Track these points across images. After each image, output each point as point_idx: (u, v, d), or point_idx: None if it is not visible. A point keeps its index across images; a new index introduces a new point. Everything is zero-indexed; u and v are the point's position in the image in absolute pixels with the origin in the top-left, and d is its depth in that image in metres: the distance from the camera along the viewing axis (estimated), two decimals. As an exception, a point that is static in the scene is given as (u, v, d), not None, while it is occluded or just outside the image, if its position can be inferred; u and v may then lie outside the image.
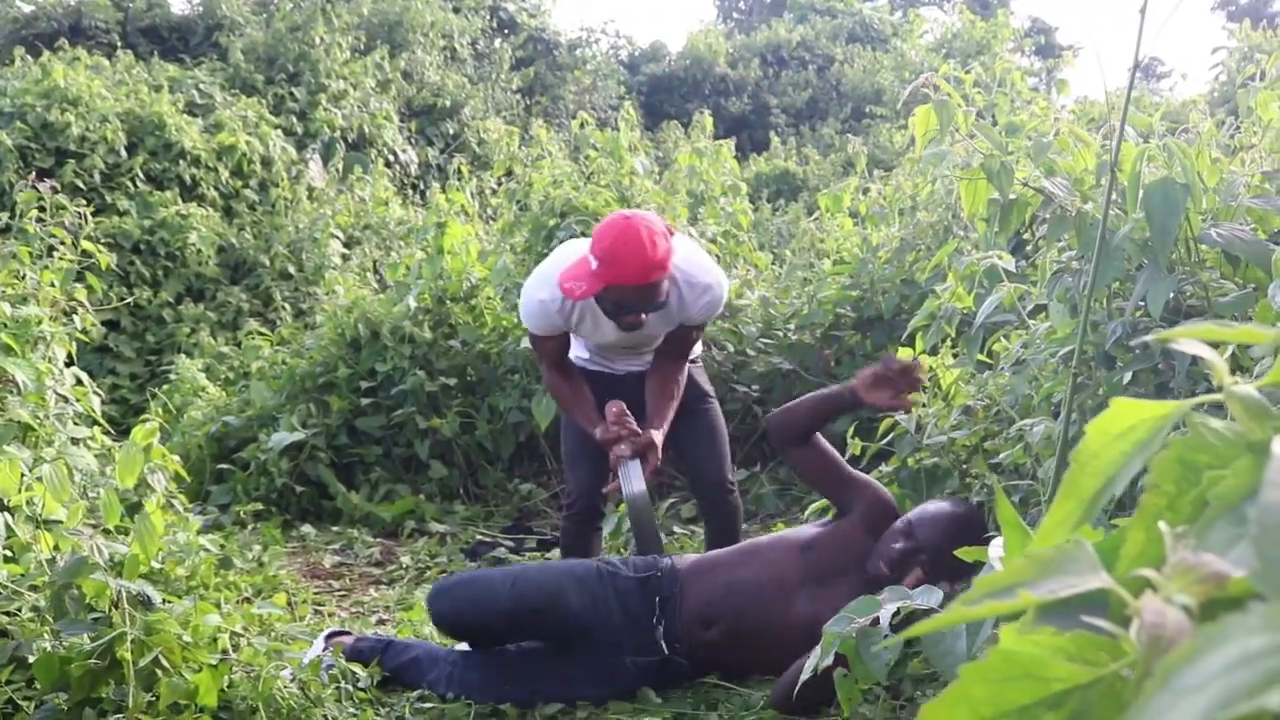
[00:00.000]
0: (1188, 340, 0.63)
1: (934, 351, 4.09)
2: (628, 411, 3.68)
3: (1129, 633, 0.57)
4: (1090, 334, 2.99)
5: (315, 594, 4.64)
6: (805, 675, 1.61)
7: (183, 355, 7.99)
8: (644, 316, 3.53)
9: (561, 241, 6.08)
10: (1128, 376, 2.92)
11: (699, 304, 3.69)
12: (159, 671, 2.65)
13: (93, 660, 2.44)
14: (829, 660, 1.55)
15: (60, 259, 4.22)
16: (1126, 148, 2.88)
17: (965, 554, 2.01)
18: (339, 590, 4.81)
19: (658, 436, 3.65)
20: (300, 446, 5.90)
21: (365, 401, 6.09)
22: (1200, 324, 0.66)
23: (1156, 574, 0.56)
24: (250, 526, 5.45)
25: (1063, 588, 0.58)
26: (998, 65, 6.12)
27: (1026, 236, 4.30)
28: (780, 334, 6.29)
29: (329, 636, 3.58)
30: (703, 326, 3.85)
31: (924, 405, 4.19)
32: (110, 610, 2.54)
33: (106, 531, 3.46)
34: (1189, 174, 2.74)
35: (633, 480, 3.58)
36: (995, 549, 1.20)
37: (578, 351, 3.96)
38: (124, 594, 2.50)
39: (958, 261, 3.83)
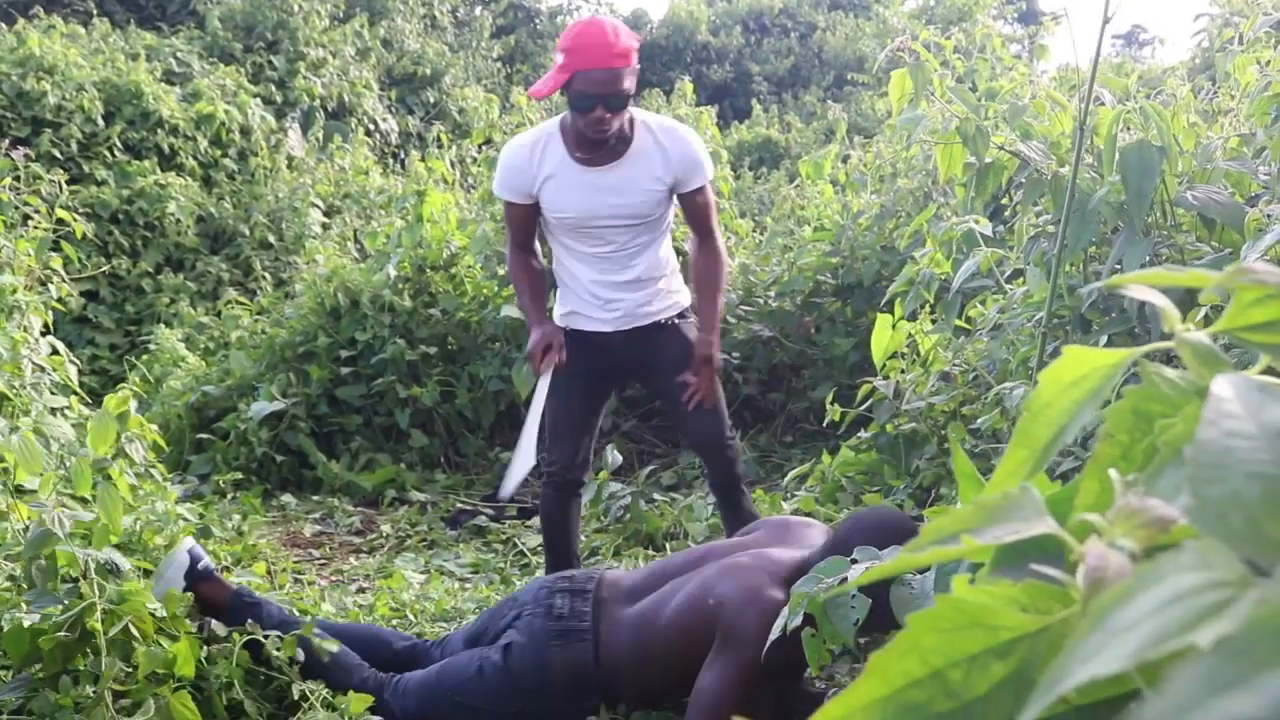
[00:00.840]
0: (1138, 286, 0.62)
1: (913, 317, 4.09)
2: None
3: (1077, 580, 0.57)
4: (1066, 298, 2.99)
5: (295, 563, 4.64)
6: (774, 636, 1.61)
7: (162, 325, 7.94)
8: (608, 116, 3.49)
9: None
10: (1103, 340, 2.92)
11: (681, 153, 3.67)
12: (134, 642, 2.64)
13: (63, 632, 2.42)
14: (798, 620, 1.55)
15: (35, 228, 4.19)
16: (1103, 112, 2.87)
17: (932, 513, 2.02)
18: (319, 559, 4.81)
19: (714, 345, 3.68)
20: (280, 416, 5.88)
21: (345, 370, 6.07)
22: (1154, 270, 0.66)
23: (1101, 519, 0.56)
24: (230, 496, 5.44)
25: (1007, 534, 0.57)
26: (978, 31, 6.10)
27: (1005, 202, 4.29)
28: (761, 301, 6.29)
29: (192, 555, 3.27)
30: (703, 191, 3.75)
31: (903, 371, 4.20)
32: (80, 580, 2.53)
33: (84, 501, 3.44)
34: (1165, 137, 2.73)
35: (543, 382, 3.64)
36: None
37: (567, 302, 3.88)
38: (90, 563, 2.48)
39: (936, 227, 3.83)
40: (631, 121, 3.66)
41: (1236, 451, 0.51)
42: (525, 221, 3.80)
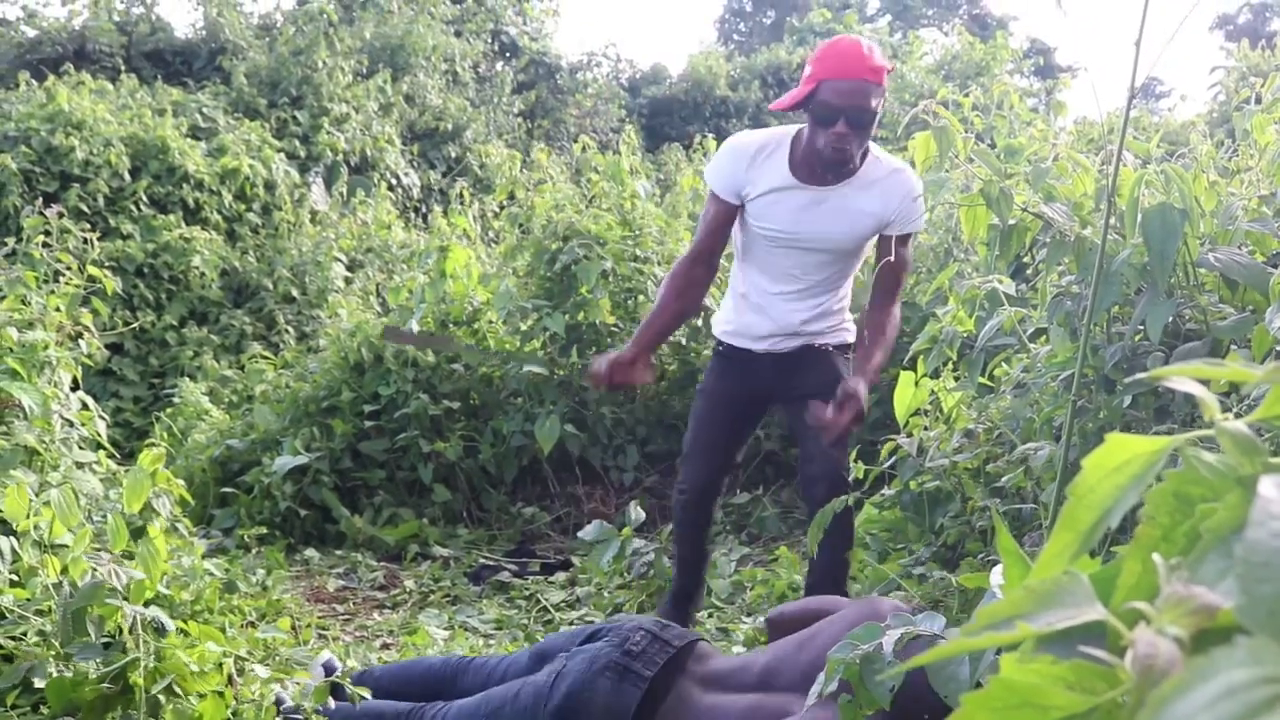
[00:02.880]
0: (1181, 380, 0.65)
1: (936, 375, 4.11)
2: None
3: (1124, 662, 0.59)
4: (1090, 358, 3.01)
5: (319, 618, 4.65)
6: (810, 702, 1.62)
7: (186, 378, 8.01)
8: (850, 134, 3.34)
9: (564, 265, 6.12)
10: (1127, 400, 2.94)
11: (905, 191, 3.51)
12: (162, 696, 2.67)
13: (105, 685, 2.45)
14: (833, 686, 1.57)
15: (66, 284, 4.24)
16: (1125, 173, 2.90)
17: (967, 580, 2.03)
18: (343, 614, 4.83)
19: (860, 387, 3.42)
20: (304, 470, 5.91)
21: (368, 425, 6.11)
22: (1194, 362, 0.69)
23: (1149, 606, 0.58)
24: (254, 550, 5.46)
25: (1060, 620, 0.60)
26: (996, 88, 6.16)
27: (1026, 260, 4.33)
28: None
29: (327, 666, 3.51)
30: (906, 241, 3.59)
31: (925, 428, 4.21)
32: (124, 635, 2.55)
33: (114, 556, 3.48)
34: (1186, 199, 2.76)
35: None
36: (995, 576, 1.22)
37: (733, 312, 3.74)
38: (138, 620, 2.51)
39: (959, 285, 3.85)
40: (864, 152, 3.53)
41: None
42: (719, 225, 3.64)
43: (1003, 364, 3.85)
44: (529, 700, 2.90)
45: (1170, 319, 2.81)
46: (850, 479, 3.71)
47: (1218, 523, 0.63)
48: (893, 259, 3.50)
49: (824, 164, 3.46)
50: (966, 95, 5.29)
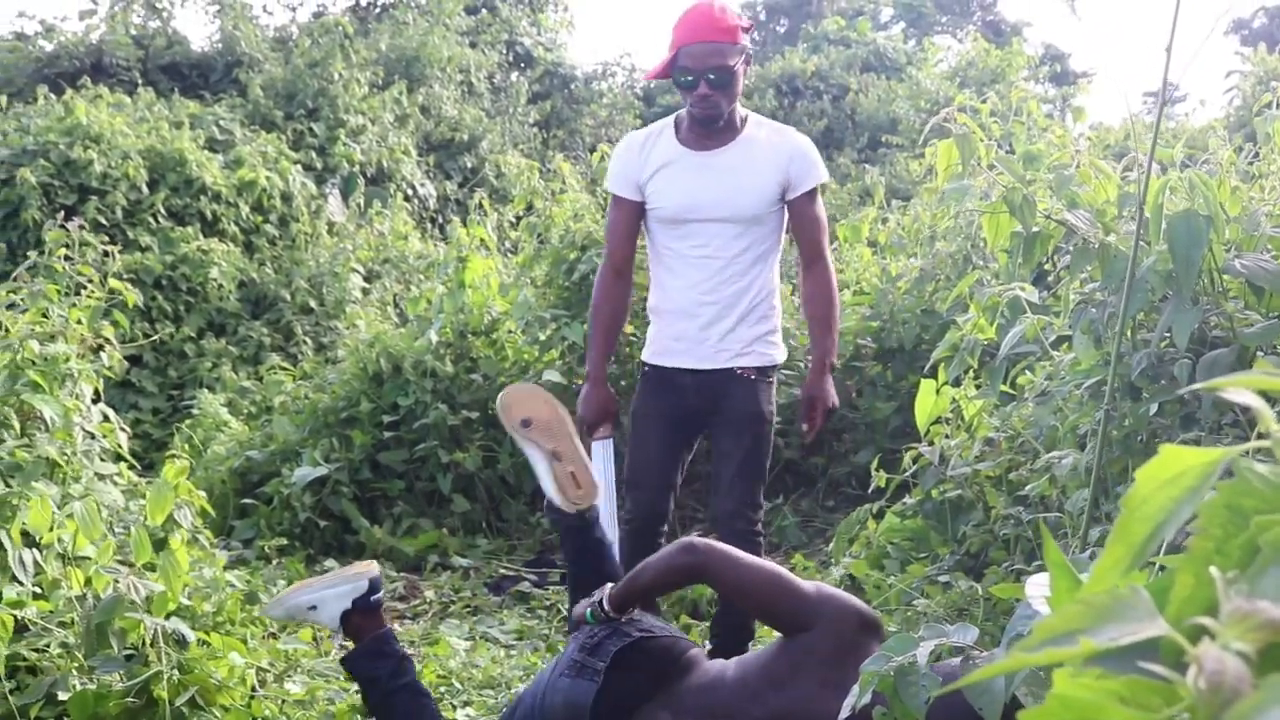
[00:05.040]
0: (1237, 390, 0.64)
1: (957, 383, 4.09)
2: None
3: (1185, 678, 0.59)
4: (1115, 365, 2.99)
5: (340, 629, 4.64)
6: (844, 715, 1.61)
7: (205, 390, 8.02)
8: (712, 94, 3.49)
9: (582, 275, 6.11)
10: (1154, 408, 2.92)
11: (794, 146, 3.67)
12: (186, 709, 2.66)
13: (130, 699, 2.45)
14: (866, 698, 1.56)
15: (88, 297, 4.25)
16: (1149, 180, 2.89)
17: (999, 591, 2.01)
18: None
19: (826, 385, 3.60)
20: (323, 481, 5.91)
21: (388, 435, 6.11)
22: (1254, 372, 0.68)
23: (1213, 621, 0.57)
24: (274, 561, 5.47)
25: (1122, 635, 0.59)
26: (1014, 94, 6.14)
27: (1048, 267, 4.31)
28: (801, 365, 6.30)
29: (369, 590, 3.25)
30: (815, 200, 3.69)
31: (947, 436, 4.20)
32: (146, 648, 2.55)
33: (136, 568, 3.48)
34: (1211, 205, 2.75)
35: (602, 463, 3.60)
36: (1033, 586, 1.20)
37: (657, 330, 3.78)
38: (160, 632, 2.51)
39: (979, 292, 3.84)
40: (745, 118, 3.68)
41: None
42: (625, 228, 3.73)
43: (1025, 372, 3.83)
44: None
45: (1196, 326, 2.79)
46: (759, 520, 3.72)
47: (1277, 535, 0.63)
48: (804, 218, 3.68)
49: (698, 122, 3.60)
50: (984, 102, 5.28)
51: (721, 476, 3.69)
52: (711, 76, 3.49)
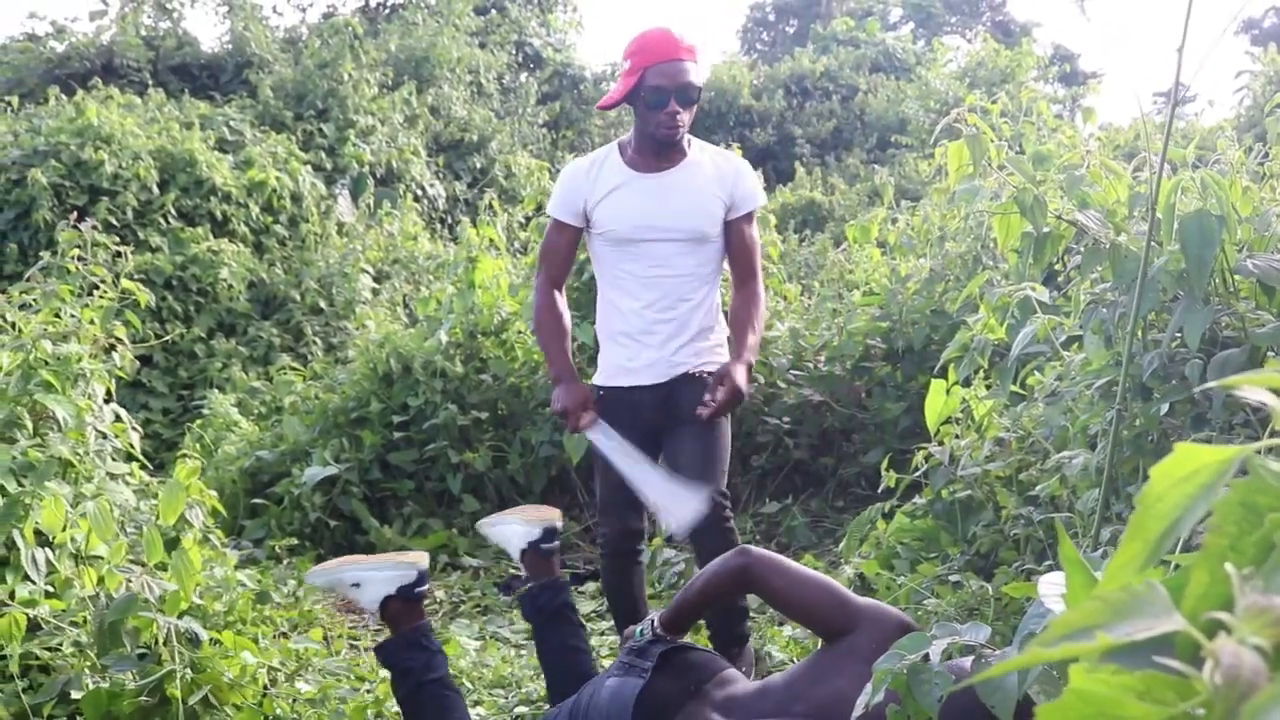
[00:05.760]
0: (1252, 388, 0.65)
1: (967, 383, 4.09)
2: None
3: (1202, 673, 0.59)
4: (1126, 365, 2.99)
5: (350, 629, 4.66)
6: (857, 713, 1.61)
7: (215, 390, 8.04)
8: (680, 112, 3.55)
9: (591, 275, 6.11)
10: (1165, 408, 2.92)
11: (735, 170, 3.73)
12: (199, 708, 2.67)
13: (143, 697, 2.46)
14: (879, 697, 1.56)
15: (101, 297, 4.27)
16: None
17: (1011, 589, 2.01)
18: (374, 625, 4.83)
19: (739, 370, 3.54)
20: (333, 481, 5.93)
21: (397, 436, 6.12)
22: (1258, 372, 0.68)
23: (1230, 616, 0.58)
24: (285, 561, 5.48)
25: (1139, 630, 0.59)
26: (1024, 95, 6.14)
27: (1058, 267, 4.31)
28: (810, 366, 6.30)
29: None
30: (752, 222, 3.76)
31: (956, 436, 4.20)
32: (159, 647, 2.56)
33: (148, 568, 3.49)
34: (1224, 205, 2.75)
35: (605, 441, 3.60)
36: (1046, 585, 1.21)
37: (608, 354, 3.80)
38: (173, 631, 2.52)
39: (989, 293, 3.84)
40: (690, 141, 3.73)
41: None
42: (567, 251, 3.80)
43: (1035, 372, 3.83)
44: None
45: (1208, 326, 2.79)
46: (727, 506, 3.67)
47: (1293, 532, 0.63)
48: (742, 240, 3.74)
49: (658, 143, 3.64)
50: (994, 102, 5.28)
51: (688, 470, 3.62)
52: (681, 93, 3.56)
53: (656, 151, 3.66)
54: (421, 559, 3.25)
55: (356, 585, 3.14)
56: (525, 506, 3.80)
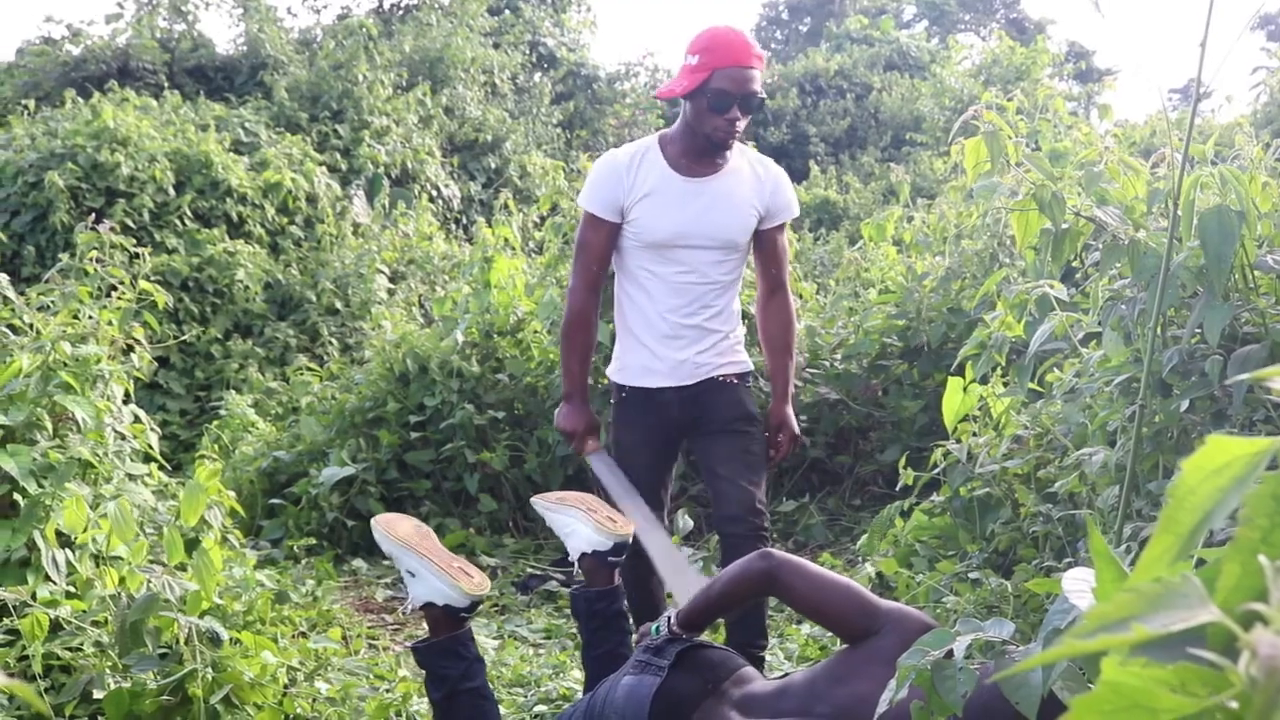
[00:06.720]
0: (1278, 381, 0.65)
1: (984, 380, 4.09)
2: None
3: (1238, 665, 0.59)
4: (1146, 362, 2.98)
5: (369, 628, 4.67)
6: (881, 709, 1.62)
7: (232, 391, 8.07)
8: (740, 119, 3.47)
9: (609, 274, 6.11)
10: (1185, 404, 2.91)
11: (776, 181, 3.68)
12: (220, 707, 2.68)
13: (165, 697, 2.47)
14: (903, 693, 1.56)
15: (119, 299, 4.28)
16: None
17: (1034, 585, 2.01)
18: (392, 624, 4.85)
19: (790, 414, 3.64)
20: (350, 481, 5.94)
21: (414, 435, 6.14)
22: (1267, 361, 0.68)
23: (1267, 608, 0.57)
24: (303, 561, 5.49)
25: (1175, 621, 0.59)
26: (1040, 92, 6.12)
27: (1075, 264, 4.30)
28: (827, 364, 6.30)
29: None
30: (784, 231, 3.74)
31: (974, 434, 4.19)
32: (180, 647, 2.57)
33: (168, 568, 3.51)
34: (1244, 201, 2.74)
35: (606, 474, 3.60)
36: (1071, 580, 1.20)
37: (630, 353, 3.73)
38: (195, 631, 2.53)
39: (1006, 290, 3.83)
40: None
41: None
42: (605, 249, 3.66)
43: (1053, 369, 3.82)
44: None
45: (1228, 322, 2.78)
46: (767, 518, 3.67)
47: (1327, 524, 0.63)
48: (774, 249, 3.72)
49: (712, 146, 3.55)
50: (1010, 100, 5.26)
51: (723, 479, 3.63)
52: (745, 101, 3.47)
53: (703, 152, 3.57)
54: (482, 588, 3.13)
55: (411, 574, 3.09)
56: (593, 500, 3.46)
